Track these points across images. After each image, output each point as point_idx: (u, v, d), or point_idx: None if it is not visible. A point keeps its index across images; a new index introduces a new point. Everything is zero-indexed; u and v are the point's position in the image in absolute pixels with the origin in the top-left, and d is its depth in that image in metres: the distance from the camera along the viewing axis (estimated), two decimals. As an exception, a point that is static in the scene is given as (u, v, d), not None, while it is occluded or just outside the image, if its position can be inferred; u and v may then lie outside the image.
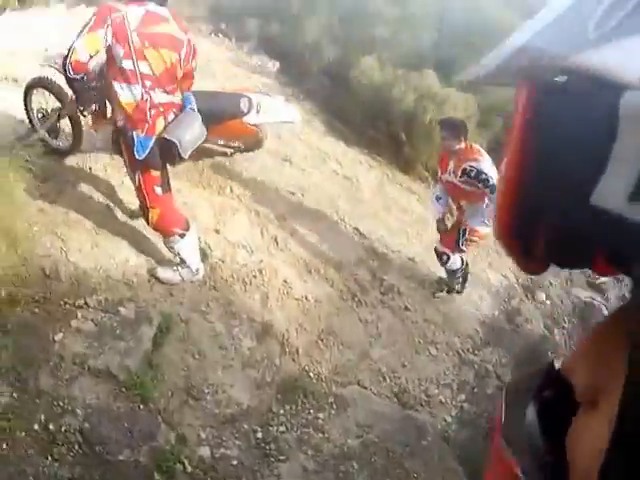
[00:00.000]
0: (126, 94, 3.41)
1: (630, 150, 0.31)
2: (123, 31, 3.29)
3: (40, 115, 4.58)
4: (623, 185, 0.31)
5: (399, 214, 5.81)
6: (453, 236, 4.51)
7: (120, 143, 3.63)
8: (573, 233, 0.37)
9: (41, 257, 3.60)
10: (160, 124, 3.47)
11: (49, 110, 4.46)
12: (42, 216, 3.85)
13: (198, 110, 3.66)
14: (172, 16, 3.53)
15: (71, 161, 4.47)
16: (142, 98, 3.40)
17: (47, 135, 4.51)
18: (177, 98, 3.60)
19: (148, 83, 3.41)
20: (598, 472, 0.34)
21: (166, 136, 3.46)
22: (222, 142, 4.88)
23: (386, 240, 5.22)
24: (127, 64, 3.35)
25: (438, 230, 4.65)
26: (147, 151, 3.43)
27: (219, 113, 4.23)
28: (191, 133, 3.52)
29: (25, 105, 4.60)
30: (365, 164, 6.39)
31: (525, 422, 0.45)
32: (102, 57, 3.44)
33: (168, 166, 3.67)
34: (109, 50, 3.35)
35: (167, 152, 3.50)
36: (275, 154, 5.63)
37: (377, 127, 6.67)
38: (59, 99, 4.30)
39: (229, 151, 5.02)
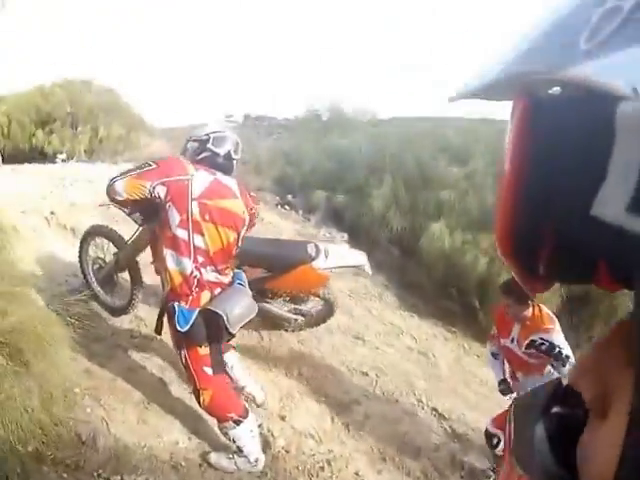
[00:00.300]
0: (175, 264, 3.17)
1: (627, 161, 0.31)
2: (184, 197, 3.10)
3: (96, 266, 4.51)
4: (621, 196, 0.31)
5: (478, 387, 5.39)
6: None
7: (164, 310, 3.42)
8: (574, 246, 0.37)
9: (79, 422, 3.37)
10: (205, 297, 3.23)
11: (106, 260, 4.40)
12: (87, 379, 3.71)
13: (265, 256, 3.53)
14: (240, 190, 3.40)
15: (125, 322, 4.43)
16: (191, 273, 3.17)
17: (101, 290, 4.44)
18: (228, 278, 3.39)
19: (200, 259, 3.18)
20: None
21: (212, 308, 3.18)
22: (289, 307, 4.58)
23: (466, 418, 4.76)
24: (181, 233, 3.13)
25: (503, 393, 4.07)
26: (190, 323, 3.15)
27: (287, 258, 4.10)
28: (240, 307, 3.26)
29: (80, 255, 4.52)
30: (440, 337, 6.11)
31: (534, 438, 0.45)
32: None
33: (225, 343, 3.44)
34: (164, 211, 3.14)
35: (213, 326, 3.21)
36: (346, 331, 5.42)
37: (450, 295, 6.47)
38: (118, 247, 4.23)
39: (299, 318, 4.66)
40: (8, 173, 7.82)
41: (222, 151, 3.35)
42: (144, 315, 4.53)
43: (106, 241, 4.43)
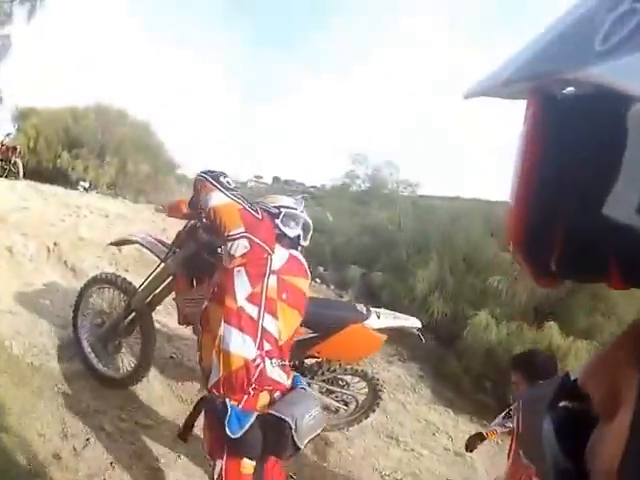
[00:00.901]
0: (235, 345, 2.47)
1: (638, 161, 0.31)
2: (262, 266, 2.53)
3: (97, 321, 3.93)
4: (632, 196, 0.31)
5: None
6: None
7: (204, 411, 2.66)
8: (586, 243, 0.37)
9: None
10: (264, 399, 2.53)
11: (112, 313, 3.82)
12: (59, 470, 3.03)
13: (311, 313, 2.94)
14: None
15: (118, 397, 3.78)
16: (254, 361, 2.47)
17: (92, 352, 3.86)
18: (289, 379, 2.70)
19: (267, 347, 2.51)
20: (616, 476, 0.34)
21: (275, 413, 2.45)
22: (330, 392, 4.07)
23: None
24: (250, 309, 2.49)
25: None
26: (245, 429, 2.39)
27: (336, 316, 3.64)
28: (310, 416, 2.51)
29: (77, 304, 3.96)
30: (477, 435, 5.53)
31: (542, 431, 0.46)
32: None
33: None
34: (228, 274, 2.52)
35: (275, 437, 2.44)
36: (380, 430, 4.94)
37: (484, 389, 6.05)
38: (126, 295, 3.72)
39: (341, 407, 4.15)
40: (24, 188, 7.59)
41: (292, 233, 2.88)
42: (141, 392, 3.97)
43: (116, 293, 3.86)
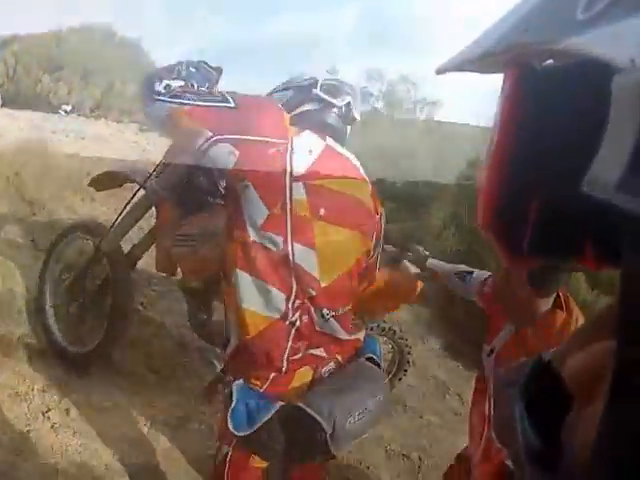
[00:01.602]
0: (251, 298, 1.68)
1: (620, 135, 0.30)
2: (276, 174, 1.68)
3: (64, 277, 3.07)
4: (613, 172, 0.30)
5: None
6: None
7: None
8: (561, 222, 0.36)
9: None
10: (304, 376, 1.78)
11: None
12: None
13: None
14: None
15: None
16: (284, 319, 1.70)
17: (55, 321, 3.03)
18: (353, 339, 1.92)
19: (310, 291, 1.72)
20: (590, 457, 0.34)
21: (306, 408, 1.67)
22: None
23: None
24: (271, 242, 1.67)
25: None
26: (258, 424, 1.67)
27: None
28: (360, 413, 1.73)
29: (45, 263, 3.13)
30: (486, 396, 4.99)
31: (514, 414, 0.45)
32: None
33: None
34: (233, 196, 1.73)
35: (302, 439, 1.72)
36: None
37: None
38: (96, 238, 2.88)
39: None
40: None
41: (339, 102, 1.88)
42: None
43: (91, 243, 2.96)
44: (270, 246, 1.66)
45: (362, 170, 1.91)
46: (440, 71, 0.42)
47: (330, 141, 1.83)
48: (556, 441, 0.41)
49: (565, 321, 1.96)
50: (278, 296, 1.68)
